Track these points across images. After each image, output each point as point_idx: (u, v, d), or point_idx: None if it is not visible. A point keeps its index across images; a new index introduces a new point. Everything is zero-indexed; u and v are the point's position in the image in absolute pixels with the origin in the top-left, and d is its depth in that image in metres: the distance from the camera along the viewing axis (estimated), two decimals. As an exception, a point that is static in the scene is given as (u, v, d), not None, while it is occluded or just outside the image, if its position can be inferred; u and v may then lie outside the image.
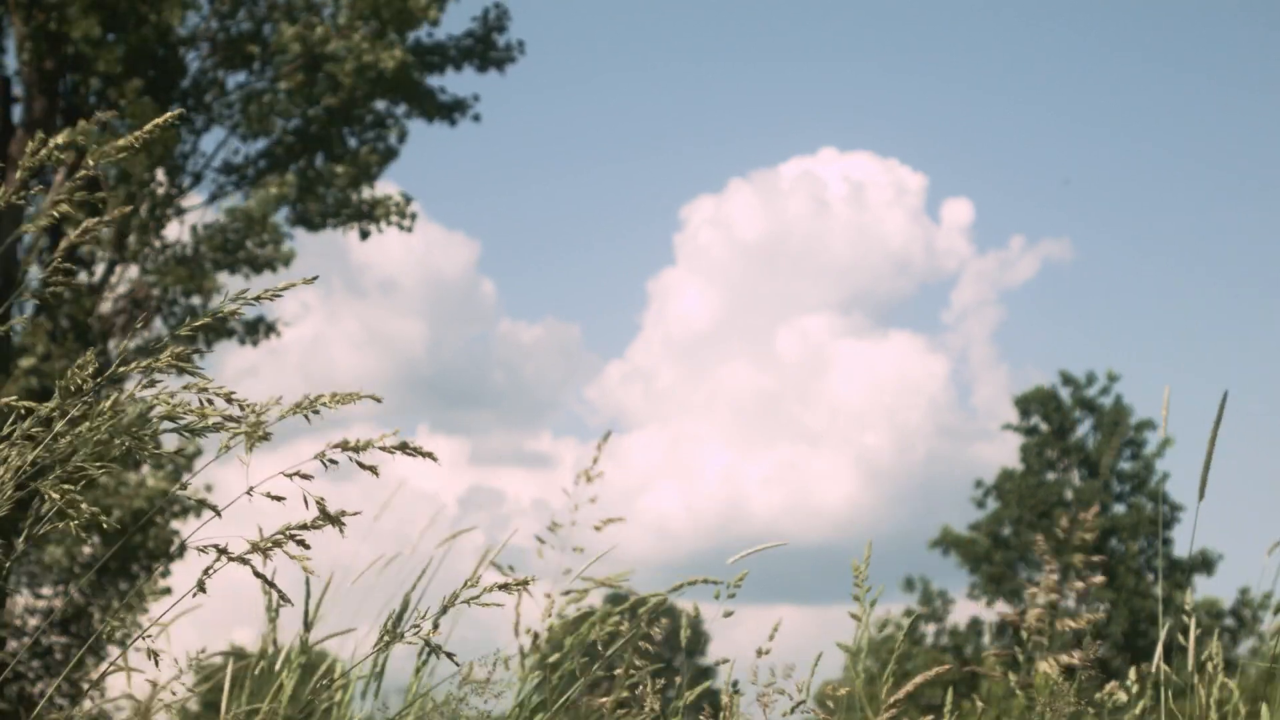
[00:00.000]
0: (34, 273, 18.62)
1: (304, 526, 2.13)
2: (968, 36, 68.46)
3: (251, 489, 2.13)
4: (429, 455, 2.18)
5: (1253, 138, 60.30)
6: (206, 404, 2.21)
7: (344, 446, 2.15)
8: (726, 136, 74.72)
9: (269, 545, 2.13)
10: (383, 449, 2.16)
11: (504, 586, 2.35)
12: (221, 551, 2.14)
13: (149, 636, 2.88)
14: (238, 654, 3.38)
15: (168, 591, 18.25)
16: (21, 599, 19.09)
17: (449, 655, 2.36)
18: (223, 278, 18.50)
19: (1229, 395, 2.93)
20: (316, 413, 2.17)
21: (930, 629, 40.04)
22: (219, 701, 3.35)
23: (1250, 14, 60.85)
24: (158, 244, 18.09)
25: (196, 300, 18.65)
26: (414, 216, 19.30)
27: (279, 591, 2.17)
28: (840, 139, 76.21)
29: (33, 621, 19.00)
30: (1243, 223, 59.88)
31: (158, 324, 18.71)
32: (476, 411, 75.31)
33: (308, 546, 2.13)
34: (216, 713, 3.32)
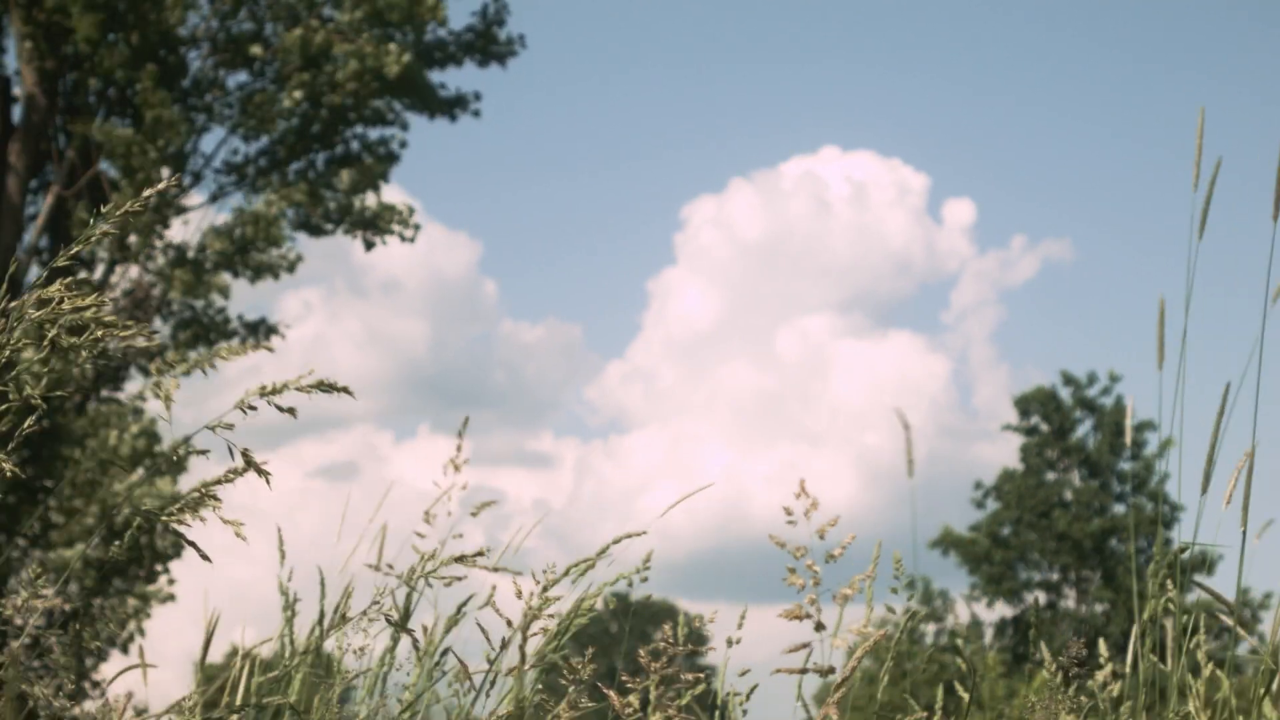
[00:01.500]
0: (34, 272, 18.63)
1: (219, 481, 2.14)
2: (973, 37, 68.48)
3: (176, 446, 2.14)
4: (345, 390, 2.19)
5: (1254, 138, 60.24)
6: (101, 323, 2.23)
7: (261, 392, 2.16)
8: (728, 136, 74.77)
9: (189, 505, 2.15)
10: (299, 389, 2.16)
11: (460, 559, 2.38)
12: (139, 512, 2.16)
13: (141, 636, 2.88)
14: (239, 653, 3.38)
15: (171, 598, 18.27)
16: (21, 599, 19.04)
17: (408, 632, 2.38)
18: (225, 279, 18.51)
19: (1230, 387, 2.94)
20: (253, 408, 2.18)
21: (930, 629, 40.06)
22: (218, 700, 3.35)
23: (1250, 14, 60.85)
24: (159, 244, 18.11)
25: (200, 303, 18.67)
26: (417, 227, 19.37)
27: (200, 552, 2.18)
28: (843, 138, 76.26)
29: (33, 621, 18.98)
30: (1244, 223, 59.83)
31: (157, 323, 18.73)
32: (478, 411, 75.31)
33: (218, 500, 2.14)
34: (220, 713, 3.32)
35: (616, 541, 3.09)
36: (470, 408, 78.17)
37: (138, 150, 17.03)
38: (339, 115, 18.72)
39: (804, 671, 2.87)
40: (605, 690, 2.89)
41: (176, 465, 19.05)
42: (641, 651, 2.88)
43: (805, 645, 2.89)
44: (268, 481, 2.12)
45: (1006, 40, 68.15)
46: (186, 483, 19.47)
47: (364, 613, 2.36)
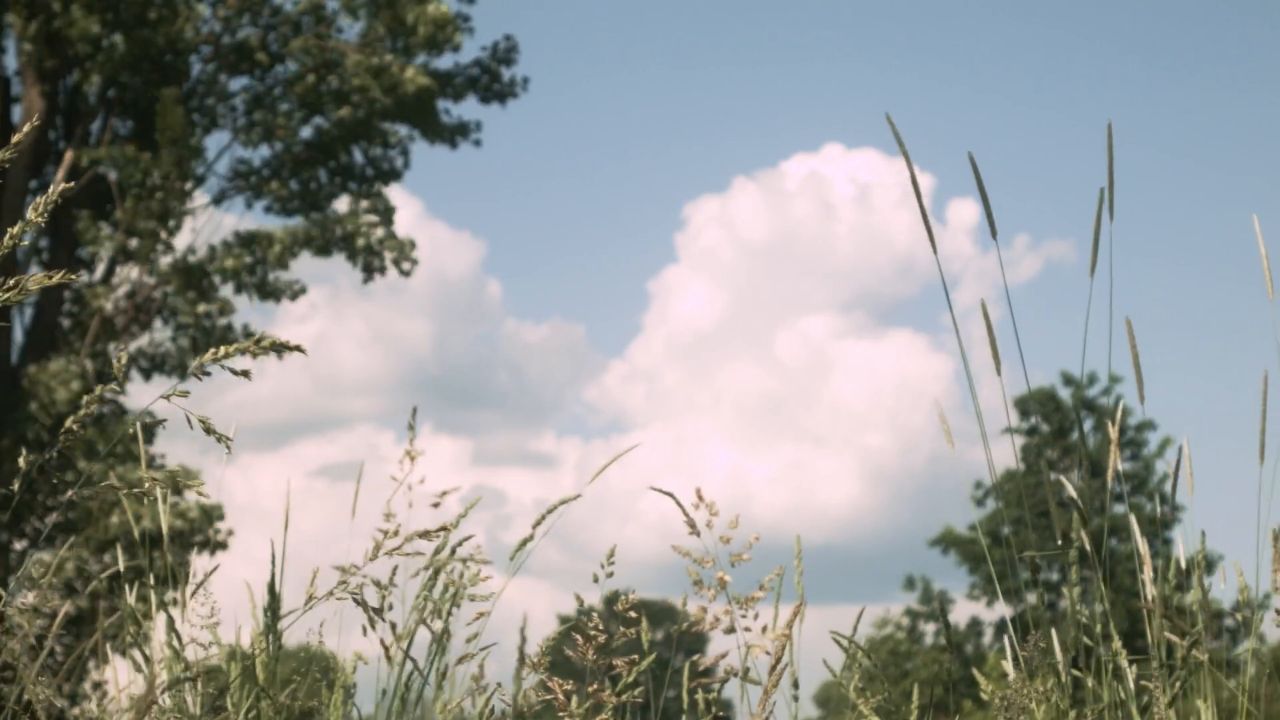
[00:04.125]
0: (34, 272, 18.60)
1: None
2: (980, 37, 68.52)
3: (137, 419, 2.13)
4: (298, 348, 2.17)
5: (1255, 140, 60.31)
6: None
7: (214, 357, 2.15)
8: (731, 134, 74.76)
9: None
10: (252, 353, 2.15)
11: (424, 534, 2.37)
12: (135, 482, 2.15)
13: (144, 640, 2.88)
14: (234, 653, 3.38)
15: (174, 602, 18.25)
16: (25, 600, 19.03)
17: (375, 611, 2.36)
18: (227, 292, 18.54)
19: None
20: (208, 374, 2.17)
21: (930, 628, 40.05)
22: (221, 703, 3.36)
23: (1252, 16, 60.87)
24: (161, 247, 18.11)
25: (202, 308, 18.66)
26: (415, 262, 19.44)
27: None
28: (847, 136, 76.23)
29: (37, 624, 18.97)
30: (1245, 225, 59.90)
31: (157, 325, 18.73)
32: (481, 411, 75.29)
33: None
34: (217, 713, 3.33)
35: (552, 509, 3.09)
36: (473, 408, 78.18)
37: (144, 169, 17.06)
38: (346, 128, 18.75)
39: (723, 680, 2.88)
40: (549, 684, 2.89)
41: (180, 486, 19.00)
42: (579, 640, 2.87)
43: (723, 655, 2.90)
44: (228, 449, 2.11)
45: (1014, 41, 68.14)
46: (190, 497, 19.44)
47: (330, 592, 2.34)
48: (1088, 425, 39.68)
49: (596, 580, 3.23)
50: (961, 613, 39.93)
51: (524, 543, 3.11)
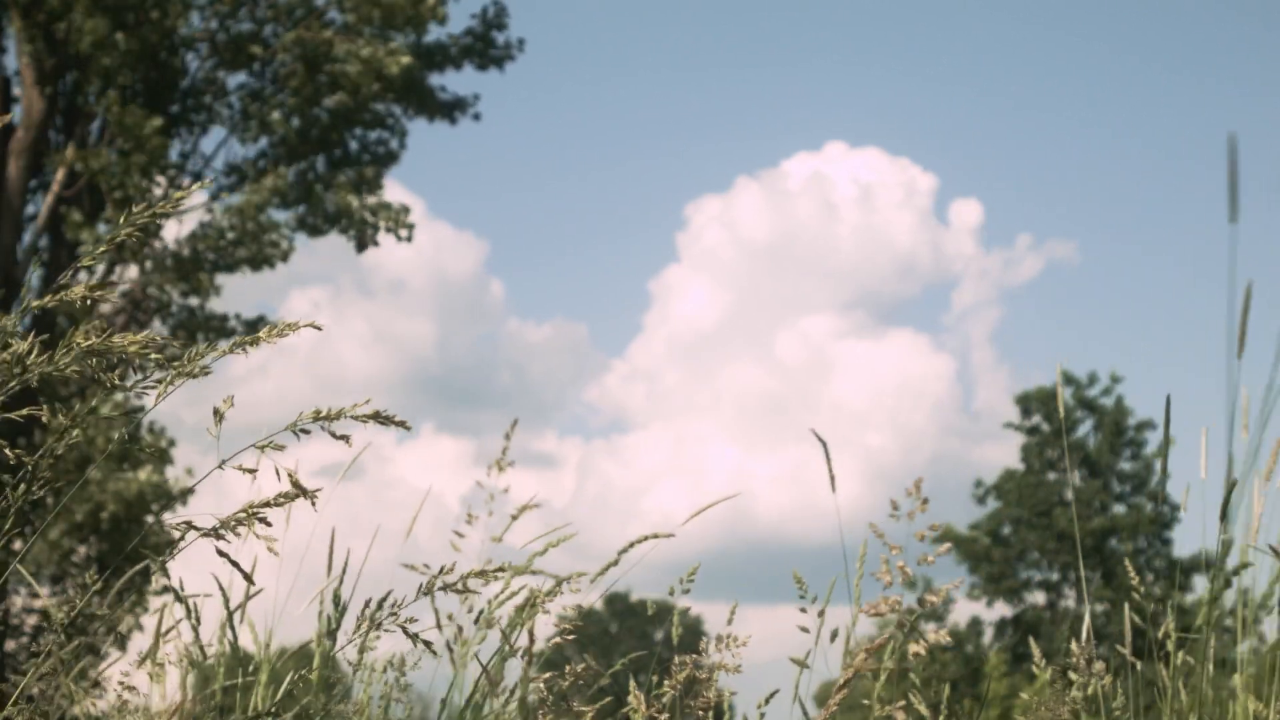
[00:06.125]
0: (33, 273, 18.60)
1: (267, 504, 2.09)
2: (979, 37, 68.47)
3: (224, 462, 2.10)
4: (402, 424, 2.12)
5: (1258, 141, 60.26)
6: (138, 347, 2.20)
7: (316, 416, 2.10)
8: (733, 134, 74.73)
9: (232, 524, 2.10)
10: (354, 418, 2.10)
11: (480, 574, 2.34)
12: (191, 527, 2.11)
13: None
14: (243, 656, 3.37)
15: (167, 589, 18.21)
16: (19, 599, 19.08)
17: (426, 644, 2.34)
18: (221, 278, 18.45)
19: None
20: (306, 432, 2.13)
21: (930, 628, 40.04)
22: (225, 704, 3.35)
23: (1255, 18, 60.86)
24: (158, 245, 18.08)
25: (195, 301, 18.63)
26: (412, 226, 19.06)
27: (244, 573, 2.16)
28: (850, 134, 76.21)
29: (31, 621, 18.98)
30: (1247, 226, 59.81)
31: (156, 324, 18.70)
32: (482, 412, 75.23)
33: (269, 524, 2.10)
34: (222, 714, 3.32)
35: (642, 540, 3.09)
36: (475, 408, 78.13)
37: (121, 172, 17.00)
38: (338, 117, 18.69)
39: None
40: (635, 694, 2.90)
41: (160, 455, 19.01)
42: (679, 659, 2.88)
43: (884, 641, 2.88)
44: (314, 504, 2.07)
45: (1015, 41, 68.12)
46: (170, 473, 19.43)
47: (379, 623, 2.33)
48: (1087, 425, 39.66)
49: (672, 592, 3.23)
50: (962, 612, 39.92)
51: (606, 568, 3.12)
